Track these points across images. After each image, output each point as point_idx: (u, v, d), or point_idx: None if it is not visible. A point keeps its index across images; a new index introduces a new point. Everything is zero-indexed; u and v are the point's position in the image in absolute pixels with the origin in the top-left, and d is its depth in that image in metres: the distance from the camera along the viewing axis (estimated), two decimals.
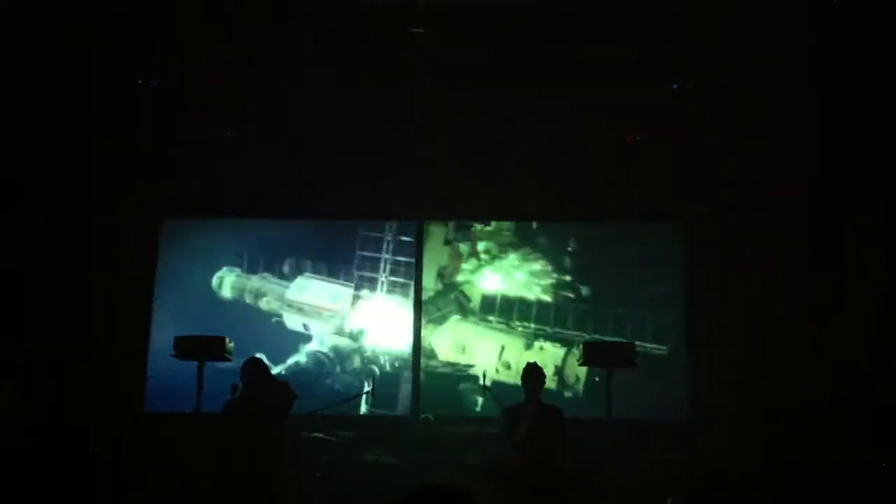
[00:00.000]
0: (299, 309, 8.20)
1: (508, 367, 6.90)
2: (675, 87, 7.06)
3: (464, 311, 8.11)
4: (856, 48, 6.60)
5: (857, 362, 7.18)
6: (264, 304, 8.23)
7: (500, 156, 7.85)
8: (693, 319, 7.98)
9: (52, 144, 7.54)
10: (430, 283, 8.22)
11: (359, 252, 8.28)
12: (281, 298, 8.23)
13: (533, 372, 6.13)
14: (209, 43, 6.82)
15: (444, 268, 8.24)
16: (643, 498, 6.02)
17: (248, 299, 8.25)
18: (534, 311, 8.04)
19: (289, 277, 8.28)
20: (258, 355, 6.44)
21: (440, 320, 8.13)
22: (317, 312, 8.20)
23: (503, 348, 6.79)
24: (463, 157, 7.86)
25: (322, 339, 8.11)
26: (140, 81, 7.15)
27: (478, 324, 8.06)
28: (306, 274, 8.31)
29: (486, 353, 7.89)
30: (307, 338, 8.12)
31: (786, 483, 6.51)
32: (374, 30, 6.69)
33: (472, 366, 7.91)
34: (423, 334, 8.06)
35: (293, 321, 8.20)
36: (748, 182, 7.76)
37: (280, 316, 8.21)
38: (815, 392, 7.14)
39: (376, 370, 7.99)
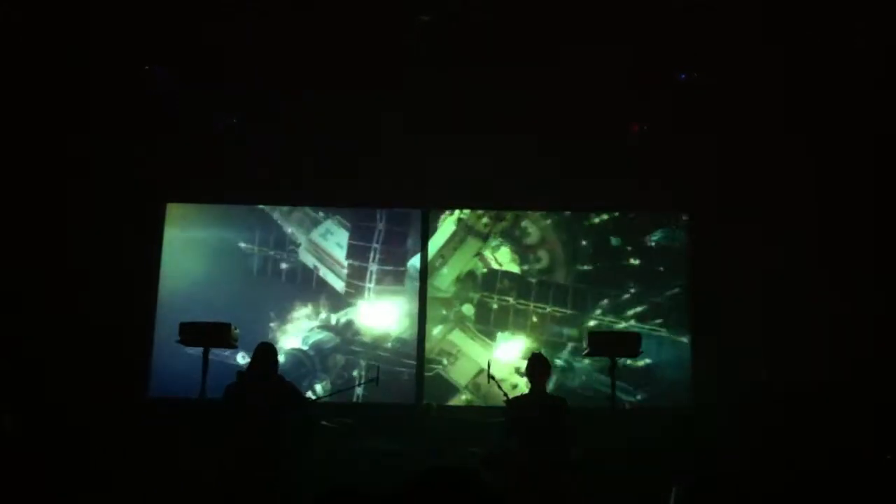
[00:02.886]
0: (315, 252, 8.26)
1: (489, 381, 6.94)
2: (682, 77, 7.04)
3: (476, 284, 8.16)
4: (859, 44, 6.59)
5: (858, 353, 7.20)
6: (291, 228, 8.30)
7: (504, 146, 7.83)
8: (695, 310, 8.00)
9: (54, 131, 7.52)
10: (443, 282, 8.24)
11: (349, 241, 8.30)
12: (307, 232, 8.31)
13: (537, 363, 6.13)
14: (211, 31, 6.79)
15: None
16: (647, 490, 6.02)
17: (277, 215, 8.36)
18: (533, 290, 8.13)
19: (323, 214, 8.38)
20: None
21: (441, 319, 8.15)
22: (330, 261, 8.24)
23: (489, 364, 6.96)
24: (466, 147, 7.84)
25: (304, 338, 8.09)
26: (146, 67, 7.13)
27: (473, 338, 8.08)
28: (338, 218, 8.35)
29: (468, 364, 8.00)
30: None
31: (787, 473, 6.52)
32: (377, 19, 6.67)
33: (443, 364, 8.01)
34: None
35: (308, 258, 8.27)
36: (751, 175, 7.76)
37: (299, 246, 8.27)
38: (817, 386, 7.15)
39: (362, 364, 7.98)
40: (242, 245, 8.26)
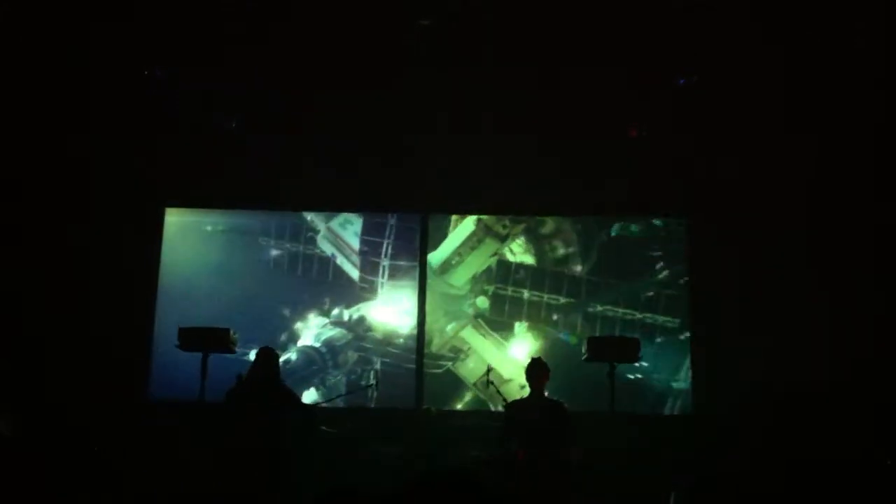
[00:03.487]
0: (334, 240, 8.27)
1: (487, 386, 6.92)
2: (681, 82, 7.05)
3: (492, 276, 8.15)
4: (858, 45, 6.60)
5: (858, 354, 7.19)
6: (310, 215, 8.33)
7: (504, 150, 7.82)
8: (694, 311, 8.00)
9: (53, 135, 7.52)
10: (459, 280, 8.20)
11: (361, 236, 8.29)
12: (326, 220, 8.34)
13: (536, 366, 6.13)
14: (212, 34, 6.79)
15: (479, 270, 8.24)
16: (647, 491, 6.03)
17: None
18: (547, 281, 8.12)
19: None
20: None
21: (455, 315, 8.12)
22: (347, 250, 8.25)
23: (489, 369, 6.95)
24: (466, 151, 7.84)
25: (316, 335, 8.06)
26: (145, 72, 7.13)
27: (486, 336, 8.07)
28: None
29: (474, 365, 7.98)
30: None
31: (787, 478, 6.52)
32: (378, 19, 6.67)
33: (453, 360, 8.00)
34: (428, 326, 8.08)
35: (326, 245, 8.28)
36: (750, 175, 7.76)
37: (317, 233, 8.29)
38: (817, 386, 7.15)
39: (376, 364, 7.95)
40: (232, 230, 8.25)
